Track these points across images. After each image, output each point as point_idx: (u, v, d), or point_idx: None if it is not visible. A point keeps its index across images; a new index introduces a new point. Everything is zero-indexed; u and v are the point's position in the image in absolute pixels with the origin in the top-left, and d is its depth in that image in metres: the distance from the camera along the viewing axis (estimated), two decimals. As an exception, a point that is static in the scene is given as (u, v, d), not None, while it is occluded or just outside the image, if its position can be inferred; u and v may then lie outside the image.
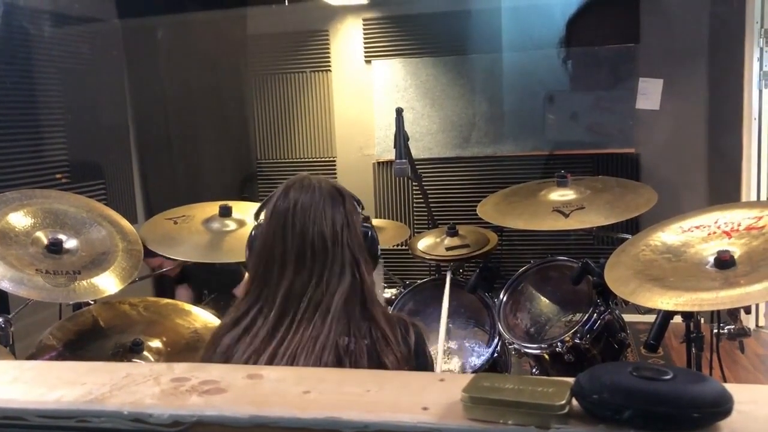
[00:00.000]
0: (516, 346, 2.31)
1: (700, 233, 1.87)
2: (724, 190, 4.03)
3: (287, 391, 0.74)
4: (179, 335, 2.10)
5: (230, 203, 2.53)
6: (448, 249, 2.64)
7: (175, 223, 2.48)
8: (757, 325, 3.94)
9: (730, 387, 0.64)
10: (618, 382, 0.62)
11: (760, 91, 3.78)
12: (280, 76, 4.68)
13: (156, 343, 2.05)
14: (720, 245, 1.78)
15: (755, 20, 3.75)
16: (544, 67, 4.30)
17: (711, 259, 1.75)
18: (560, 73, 4.32)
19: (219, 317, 2.14)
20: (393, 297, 2.65)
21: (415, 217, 4.59)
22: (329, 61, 4.60)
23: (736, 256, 1.72)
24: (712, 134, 4.13)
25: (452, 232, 2.69)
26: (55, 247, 2.05)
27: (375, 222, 1.46)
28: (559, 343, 2.22)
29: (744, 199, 3.82)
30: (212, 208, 2.53)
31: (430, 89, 4.47)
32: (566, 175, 2.60)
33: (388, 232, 3.00)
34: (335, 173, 4.66)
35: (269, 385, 0.76)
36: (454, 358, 2.40)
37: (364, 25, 4.51)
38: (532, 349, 2.29)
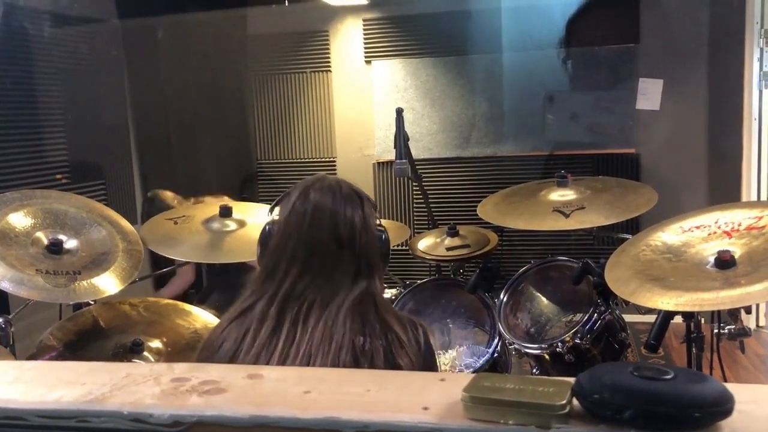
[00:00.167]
0: (516, 346, 2.31)
1: (700, 233, 1.87)
2: (724, 190, 4.03)
3: (287, 391, 0.73)
4: (179, 335, 2.10)
5: (231, 203, 2.53)
6: (448, 249, 2.64)
7: (176, 223, 2.48)
8: (757, 325, 3.94)
9: (730, 387, 0.63)
10: (619, 382, 0.62)
11: (761, 92, 3.78)
12: (280, 76, 4.68)
13: (156, 344, 2.05)
14: (720, 245, 1.78)
15: (755, 20, 3.75)
16: (544, 67, 4.30)
17: (711, 259, 1.75)
18: (560, 74, 4.32)
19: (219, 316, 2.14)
20: (393, 297, 2.64)
21: (416, 218, 4.59)
22: (329, 62, 4.60)
23: (736, 256, 1.72)
24: (712, 134, 4.12)
25: (452, 233, 2.69)
26: (55, 248, 2.05)
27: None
28: (559, 344, 2.22)
29: (744, 199, 3.82)
30: (212, 208, 2.53)
31: (430, 89, 4.47)
32: (566, 175, 2.60)
33: (388, 232, 3.00)
34: (335, 174, 4.65)
35: (269, 385, 0.76)
36: (455, 359, 2.40)
37: (364, 25, 4.51)
38: (533, 349, 2.29)
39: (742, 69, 3.82)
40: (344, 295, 1.29)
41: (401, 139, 2.50)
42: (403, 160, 2.48)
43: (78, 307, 2.15)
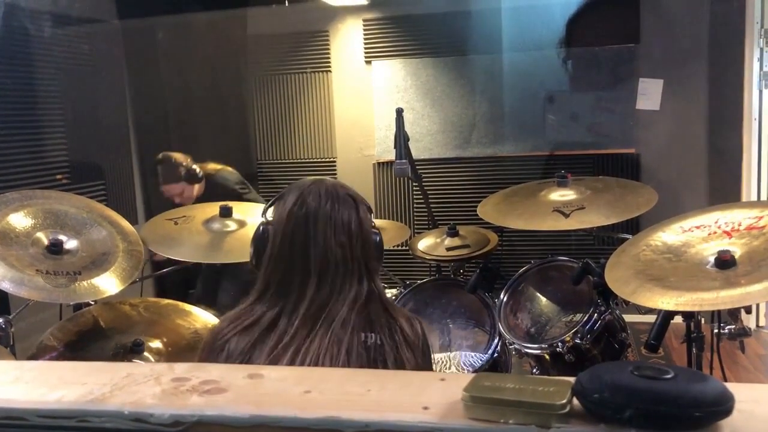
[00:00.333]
0: (516, 346, 2.31)
1: (700, 233, 1.87)
2: (724, 190, 4.03)
3: (288, 391, 0.74)
4: (180, 336, 2.10)
5: (230, 203, 2.53)
6: (448, 249, 2.64)
7: (176, 223, 2.48)
8: (757, 325, 3.94)
9: (730, 386, 0.64)
10: (619, 382, 0.62)
11: (760, 91, 3.78)
12: (280, 76, 4.68)
13: (156, 344, 2.05)
14: (720, 245, 1.78)
15: (755, 20, 3.75)
16: (544, 67, 4.30)
17: (711, 259, 1.75)
18: (560, 74, 4.32)
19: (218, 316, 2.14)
20: (393, 297, 2.65)
21: (416, 218, 4.59)
22: (329, 62, 4.60)
23: (736, 256, 1.72)
24: (712, 134, 4.13)
25: (452, 233, 2.69)
26: (55, 248, 2.05)
27: (375, 222, 1.46)
28: (559, 343, 2.22)
29: (744, 198, 3.82)
30: (212, 208, 2.53)
31: (430, 90, 4.47)
32: (567, 175, 2.60)
33: (388, 232, 3.00)
34: (335, 174, 4.66)
35: (270, 384, 0.76)
36: (455, 359, 2.40)
37: (364, 25, 4.52)
38: (533, 349, 2.29)
39: (742, 69, 3.82)
40: (348, 298, 1.30)
41: (401, 139, 2.50)
42: (403, 160, 2.48)
43: (78, 307, 2.15)
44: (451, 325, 2.48)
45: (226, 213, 2.47)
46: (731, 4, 3.87)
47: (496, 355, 2.34)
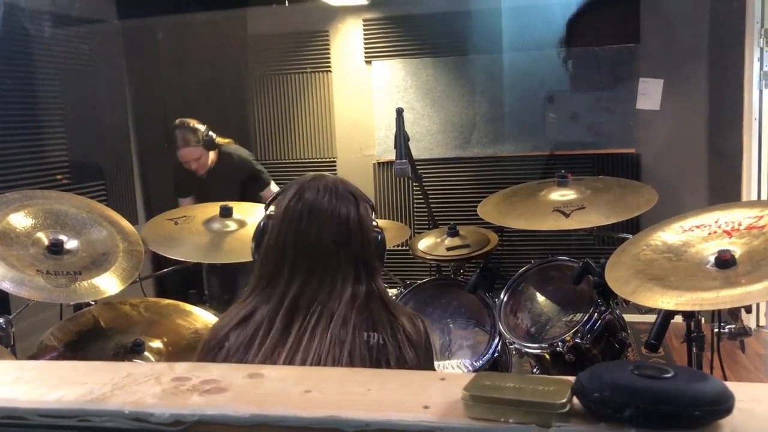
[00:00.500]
0: (517, 345, 2.31)
1: (700, 233, 1.87)
2: (724, 189, 4.03)
3: (288, 391, 0.74)
4: (180, 336, 2.10)
5: (231, 203, 2.53)
6: (448, 249, 2.64)
7: (176, 223, 2.48)
8: (757, 325, 3.94)
9: (730, 385, 0.64)
10: (619, 381, 0.62)
11: (761, 91, 3.78)
12: (280, 76, 4.69)
13: (157, 344, 2.05)
14: (721, 245, 1.79)
15: (755, 20, 3.75)
16: (544, 67, 4.30)
17: (712, 259, 1.75)
18: (560, 74, 4.32)
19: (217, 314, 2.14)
20: (393, 297, 2.65)
21: (416, 218, 4.59)
22: (329, 62, 4.61)
23: (736, 256, 1.72)
24: (712, 134, 4.13)
25: (453, 233, 2.69)
26: (55, 248, 2.05)
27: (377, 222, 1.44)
28: (559, 343, 2.22)
29: (744, 198, 3.82)
30: (213, 208, 2.53)
31: (430, 90, 4.47)
32: (567, 174, 2.60)
33: (388, 232, 2.97)
34: (335, 174, 4.65)
35: (270, 384, 0.76)
36: (455, 358, 2.40)
37: (364, 25, 4.52)
38: (533, 348, 2.29)
39: (742, 69, 3.82)
40: (347, 297, 1.28)
41: (401, 139, 2.50)
42: (404, 160, 2.48)
43: (78, 307, 2.15)
44: (451, 325, 2.48)
45: (226, 213, 2.47)
46: (731, 3, 3.87)
47: (496, 354, 2.34)
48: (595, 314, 2.24)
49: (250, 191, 3.51)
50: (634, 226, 3.01)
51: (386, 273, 3.44)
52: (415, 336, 1.31)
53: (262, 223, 1.39)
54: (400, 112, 2.52)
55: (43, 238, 2.08)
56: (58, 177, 3.86)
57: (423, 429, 0.64)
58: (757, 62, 3.76)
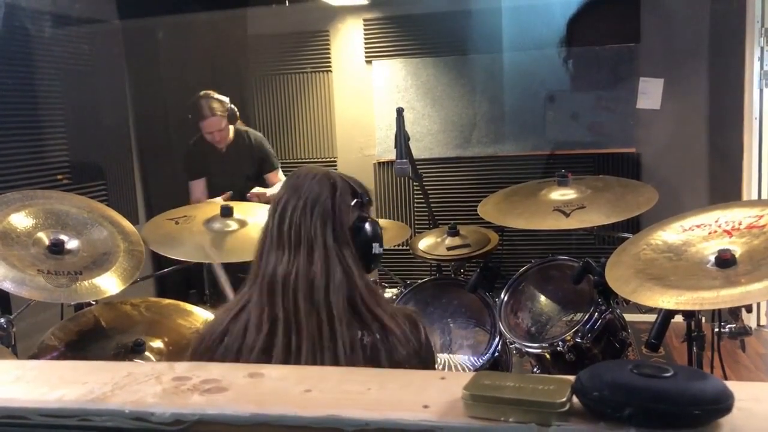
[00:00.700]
0: (517, 345, 2.31)
1: (700, 232, 1.87)
2: (724, 189, 4.03)
3: (288, 390, 0.74)
4: (181, 335, 2.10)
5: (231, 203, 2.53)
6: (449, 249, 2.64)
7: (177, 223, 2.48)
8: (758, 324, 3.94)
9: (730, 384, 0.64)
10: (619, 380, 0.62)
11: (761, 91, 3.78)
12: (281, 76, 4.69)
13: (158, 344, 2.05)
14: (721, 244, 1.79)
15: (755, 20, 3.75)
16: (544, 67, 4.30)
17: (712, 258, 1.75)
18: (561, 73, 4.32)
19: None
20: (394, 297, 2.65)
21: (416, 217, 4.59)
22: (330, 62, 4.60)
23: (736, 255, 1.72)
24: (712, 133, 4.13)
25: (453, 232, 2.69)
26: (56, 248, 2.06)
27: (374, 217, 1.43)
28: (560, 343, 2.22)
29: (745, 198, 3.82)
30: (213, 208, 2.53)
31: (430, 89, 4.47)
32: (567, 174, 2.60)
33: (389, 232, 3.00)
34: (336, 174, 4.65)
35: (270, 383, 0.76)
36: (456, 358, 2.40)
37: (364, 25, 4.52)
38: (533, 348, 2.29)
39: (742, 68, 3.81)
40: (324, 287, 1.27)
41: (402, 138, 2.50)
42: (404, 160, 2.48)
43: (79, 307, 2.15)
44: (451, 325, 2.48)
45: (226, 213, 2.47)
46: (731, 3, 3.86)
47: (496, 354, 2.34)
48: (596, 314, 2.24)
49: (260, 172, 3.65)
50: (635, 225, 3.02)
51: (387, 273, 3.45)
52: (398, 330, 1.29)
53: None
54: (400, 111, 2.52)
55: (44, 238, 2.08)
56: (59, 177, 3.86)
57: (423, 428, 0.64)
58: (758, 62, 3.76)
